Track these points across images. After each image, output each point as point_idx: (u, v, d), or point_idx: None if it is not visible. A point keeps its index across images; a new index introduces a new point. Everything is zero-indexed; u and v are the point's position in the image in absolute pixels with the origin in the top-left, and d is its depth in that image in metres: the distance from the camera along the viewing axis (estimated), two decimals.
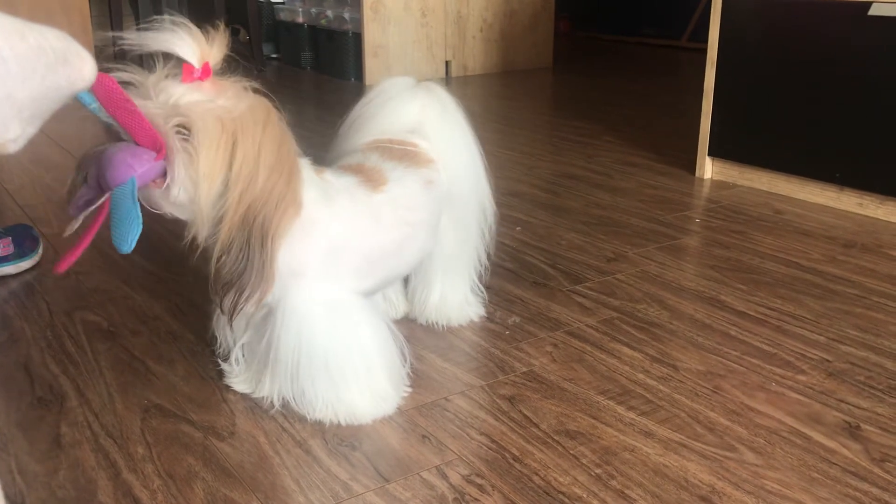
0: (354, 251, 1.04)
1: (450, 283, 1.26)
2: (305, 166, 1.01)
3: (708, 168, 2.08)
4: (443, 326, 1.28)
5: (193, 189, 0.90)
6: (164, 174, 0.90)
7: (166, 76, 0.89)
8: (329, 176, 1.06)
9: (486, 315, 1.33)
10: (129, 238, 0.87)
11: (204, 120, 0.88)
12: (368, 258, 1.05)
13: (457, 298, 1.28)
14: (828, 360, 1.19)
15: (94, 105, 0.86)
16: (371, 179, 1.08)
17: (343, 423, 1.02)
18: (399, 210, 1.09)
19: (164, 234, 1.68)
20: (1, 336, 1.26)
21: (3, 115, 0.47)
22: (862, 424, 1.03)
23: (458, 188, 1.20)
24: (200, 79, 0.88)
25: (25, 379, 1.14)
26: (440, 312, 1.27)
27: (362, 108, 1.22)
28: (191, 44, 0.86)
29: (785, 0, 1.84)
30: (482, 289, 1.35)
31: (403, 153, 1.15)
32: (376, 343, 1.04)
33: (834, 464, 0.95)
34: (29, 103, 0.48)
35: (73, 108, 2.50)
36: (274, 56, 4.12)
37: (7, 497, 0.89)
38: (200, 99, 0.88)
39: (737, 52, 1.95)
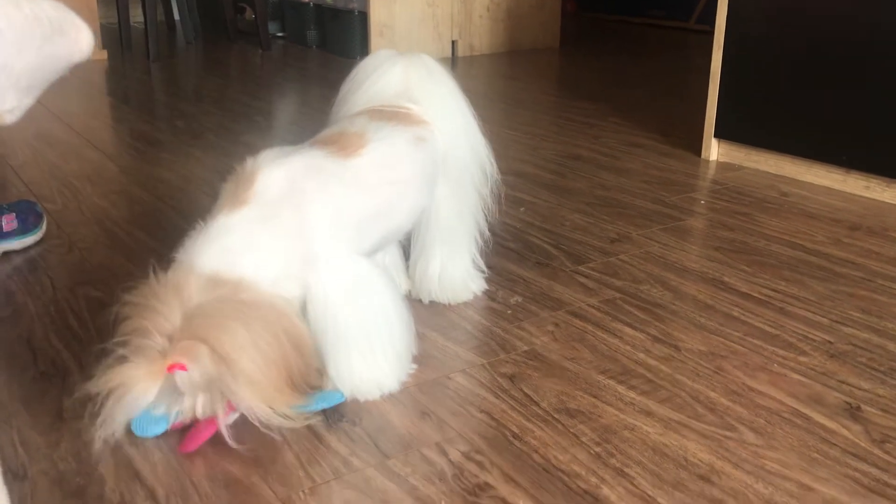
0: (341, 220, 1.03)
1: (449, 255, 1.26)
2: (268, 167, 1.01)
3: (714, 150, 2.07)
4: (445, 303, 1.28)
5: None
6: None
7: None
8: (293, 162, 1.04)
9: (488, 291, 1.33)
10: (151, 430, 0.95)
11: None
12: (358, 223, 1.05)
13: (458, 272, 1.28)
14: (830, 342, 1.18)
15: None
16: (345, 147, 1.07)
17: (368, 398, 1.03)
18: (381, 170, 1.09)
19: (168, 212, 1.68)
20: (4, 311, 1.26)
21: (0, 86, 0.47)
22: (863, 406, 1.03)
23: (453, 151, 1.20)
24: (176, 367, 0.88)
25: (28, 353, 1.14)
26: (442, 288, 1.27)
27: (349, 83, 1.23)
28: (143, 375, 0.87)
29: None
30: (483, 265, 1.35)
31: (394, 114, 1.15)
32: (397, 317, 1.05)
33: (834, 444, 0.95)
34: (25, 73, 0.48)
35: (76, 84, 2.51)
36: (279, 35, 4.10)
37: (9, 469, 0.90)
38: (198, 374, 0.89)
39: (744, 34, 1.94)
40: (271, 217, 0.98)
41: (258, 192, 0.98)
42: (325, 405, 0.99)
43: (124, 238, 1.54)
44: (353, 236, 1.04)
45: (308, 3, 3.78)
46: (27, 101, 0.49)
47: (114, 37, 3.98)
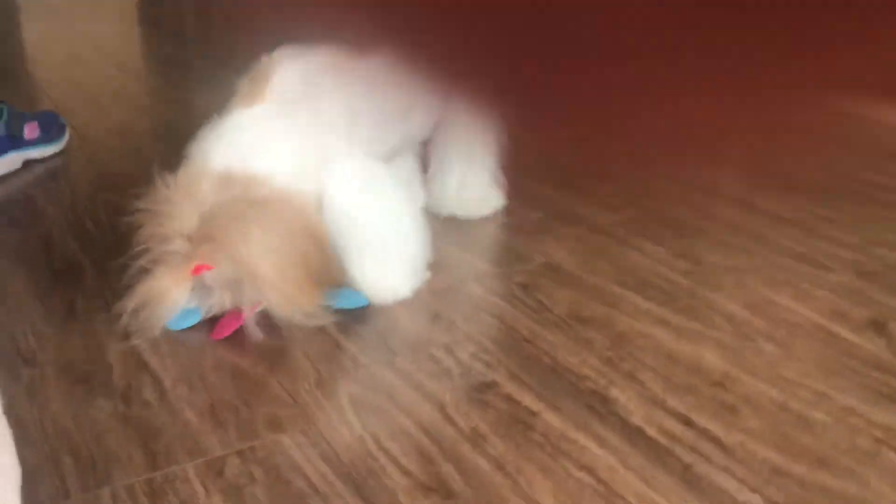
0: (358, 120, 1.01)
1: (468, 169, 1.23)
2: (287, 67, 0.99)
3: None
4: (463, 217, 1.26)
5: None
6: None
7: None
8: (310, 62, 1.01)
9: (507, 207, 1.30)
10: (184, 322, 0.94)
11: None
12: (374, 123, 1.03)
13: (476, 187, 1.25)
14: (859, 262, 1.14)
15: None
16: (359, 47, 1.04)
17: (380, 302, 1.02)
18: (395, 72, 1.06)
19: (190, 126, 1.67)
20: (24, 215, 1.27)
21: None
22: (889, 322, 0.99)
23: None
24: (201, 269, 0.88)
25: (45, 254, 1.15)
26: (460, 202, 1.25)
27: None
28: (171, 283, 0.88)
29: None
30: (502, 178, 1.32)
31: None
32: (412, 223, 1.04)
33: (856, 357, 0.92)
34: None
35: (108, 8, 2.47)
36: None
37: (20, 355, 0.90)
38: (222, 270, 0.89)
39: None
40: (286, 113, 0.96)
41: (274, 88, 0.96)
42: (347, 305, 0.98)
43: (145, 150, 1.54)
44: (369, 137, 1.02)
45: None
46: None
47: None
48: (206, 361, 0.90)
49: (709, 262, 1.14)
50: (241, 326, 0.93)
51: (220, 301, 0.93)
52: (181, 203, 0.90)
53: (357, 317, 0.99)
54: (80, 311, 1.00)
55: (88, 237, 1.19)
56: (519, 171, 1.44)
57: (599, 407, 0.83)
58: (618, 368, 0.89)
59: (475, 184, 1.25)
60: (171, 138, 1.60)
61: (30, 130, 1.44)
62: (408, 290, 1.04)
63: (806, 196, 1.36)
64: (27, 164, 1.45)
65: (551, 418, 0.81)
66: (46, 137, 1.48)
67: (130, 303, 0.90)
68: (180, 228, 0.89)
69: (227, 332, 0.93)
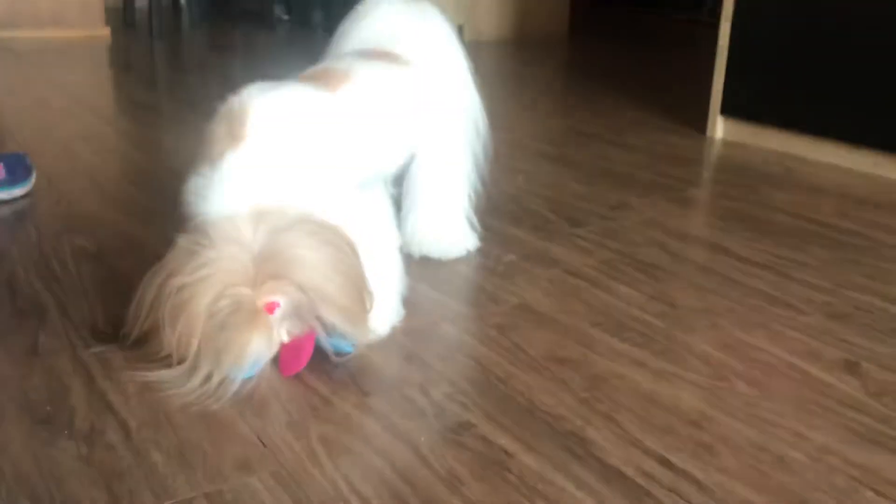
0: (329, 154, 1.00)
1: (441, 209, 1.23)
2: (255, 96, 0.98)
3: (720, 128, 2.04)
4: (437, 258, 1.25)
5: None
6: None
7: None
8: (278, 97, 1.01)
9: (481, 249, 1.30)
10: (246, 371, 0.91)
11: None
12: (344, 157, 1.02)
13: (449, 227, 1.25)
14: (830, 304, 1.15)
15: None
16: (329, 82, 1.05)
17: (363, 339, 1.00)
18: (366, 105, 1.06)
19: (160, 170, 1.65)
20: None
21: None
22: (862, 362, 0.99)
23: (443, 98, 1.18)
24: (274, 306, 0.88)
25: (7, 292, 1.11)
26: (433, 243, 1.24)
27: (345, 24, 1.21)
28: (252, 332, 0.87)
29: None
30: (478, 223, 1.31)
31: (380, 54, 1.14)
32: (389, 259, 1.04)
33: (830, 396, 0.92)
34: None
35: (78, 56, 2.48)
36: (285, 17, 4.08)
37: None
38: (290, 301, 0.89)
39: (752, 11, 1.90)
40: (276, 146, 0.95)
41: (254, 125, 0.95)
42: (335, 350, 0.96)
43: (114, 192, 1.52)
44: (340, 173, 1.01)
45: None
46: None
47: (119, 16, 3.97)
48: (173, 402, 0.87)
49: (682, 305, 1.14)
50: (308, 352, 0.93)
51: (277, 338, 0.91)
52: (230, 252, 0.87)
53: (325, 357, 0.97)
54: (42, 350, 0.97)
55: (53, 277, 1.16)
56: (492, 214, 1.45)
57: (576, 448, 0.81)
58: (594, 409, 0.88)
59: (449, 225, 1.25)
60: (140, 181, 1.58)
61: None
62: (386, 327, 1.02)
63: (776, 240, 1.38)
64: None
65: (528, 459, 0.79)
66: (12, 179, 1.45)
67: (209, 366, 0.87)
68: (238, 278, 0.87)
69: (301, 364, 0.92)
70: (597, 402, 0.89)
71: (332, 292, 0.89)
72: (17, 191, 1.46)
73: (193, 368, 0.88)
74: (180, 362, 0.89)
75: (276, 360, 0.93)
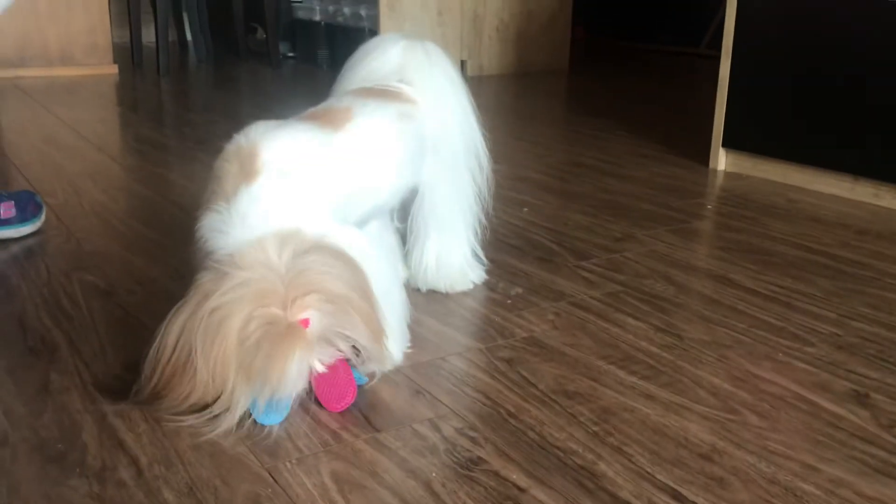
0: (331, 192, 1.01)
1: (446, 243, 1.24)
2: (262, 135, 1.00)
3: (721, 159, 2.06)
4: (443, 292, 1.26)
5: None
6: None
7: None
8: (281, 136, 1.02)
9: (487, 283, 1.30)
10: (275, 416, 0.91)
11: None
12: (345, 196, 1.03)
13: (455, 260, 1.26)
14: (837, 335, 1.15)
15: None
16: (331, 121, 1.06)
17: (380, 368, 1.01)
18: (367, 144, 1.07)
19: (169, 207, 1.67)
20: None
21: None
22: (871, 393, 1.00)
23: (445, 135, 1.19)
24: (307, 322, 0.89)
25: (18, 330, 1.12)
26: (439, 275, 1.25)
27: (349, 63, 1.23)
28: (308, 356, 0.88)
29: None
30: (483, 256, 1.33)
31: (382, 92, 1.15)
32: (396, 288, 1.05)
33: (840, 428, 0.92)
34: None
35: (86, 94, 2.51)
36: (290, 55, 4.13)
37: None
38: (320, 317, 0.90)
39: (752, 43, 1.93)
40: (288, 180, 0.97)
41: (265, 162, 0.96)
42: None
43: (122, 229, 1.53)
44: (342, 209, 1.03)
45: (319, 23, 3.80)
46: (4, 2, 0.47)
47: (126, 55, 4.02)
48: (184, 439, 0.88)
49: (690, 337, 1.14)
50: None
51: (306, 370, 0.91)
52: (258, 275, 0.88)
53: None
54: (53, 388, 0.97)
55: (64, 315, 1.17)
56: (497, 247, 1.46)
57: (588, 482, 0.81)
58: (605, 443, 0.88)
59: (454, 258, 1.26)
60: (148, 217, 1.60)
61: (5, 210, 1.43)
62: (399, 355, 1.03)
63: (780, 271, 1.39)
64: (2, 242, 1.44)
65: (540, 494, 0.79)
66: (22, 217, 1.46)
67: (249, 393, 0.87)
68: (269, 299, 0.87)
69: (349, 397, 0.93)
70: (607, 435, 0.90)
71: (358, 305, 0.90)
72: (27, 228, 1.48)
73: (231, 404, 0.87)
74: (215, 398, 0.88)
75: (313, 397, 0.93)
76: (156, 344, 0.90)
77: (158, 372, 0.89)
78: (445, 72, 1.21)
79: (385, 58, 1.20)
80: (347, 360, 0.94)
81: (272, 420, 0.90)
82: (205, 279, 0.89)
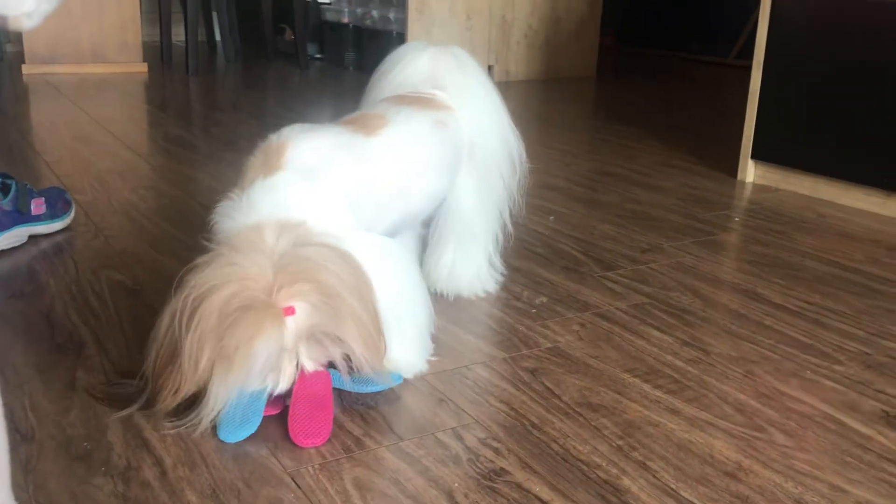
0: (362, 198, 1.02)
1: (462, 251, 1.24)
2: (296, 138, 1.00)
3: (750, 171, 2.04)
4: (452, 297, 1.26)
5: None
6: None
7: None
8: (319, 138, 1.02)
9: (512, 291, 1.30)
10: (247, 427, 0.88)
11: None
12: (377, 202, 1.04)
13: (469, 269, 1.26)
14: (867, 353, 1.14)
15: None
16: (365, 126, 1.06)
17: (404, 375, 1.01)
18: (400, 150, 1.07)
19: (195, 206, 1.68)
20: (26, 288, 1.26)
21: None
22: None
23: (480, 140, 1.19)
24: (291, 310, 0.86)
25: (46, 327, 1.13)
26: (449, 282, 1.25)
27: (379, 71, 1.23)
28: (269, 321, 0.84)
29: (834, 1, 1.80)
30: (501, 266, 1.32)
31: (417, 99, 1.15)
32: (422, 295, 1.04)
33: (869, 450, 0.91)
34: None
35: (115, 93, 2.53)
36: (318, 56, 4.14)
37: (18, 430, 0.88)
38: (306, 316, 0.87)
39: (783, 55, 1.91)
40: (310, 178, 0.96)
41: (290, 159, 0.97)
42: (364, 389, 0.95)
43: (150, 228, 1.54)
44: (371, 216, 1.03)
45: (347, 25, 3.82)
46: (46, 6, 0.48)
47: (155, 53, 4.05)
48: (208, 442, 0.88)
49: (716, 351, 1.13)
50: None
51: (291, 372, 0.89)
52: (250, 260, 0.86)
53: (361, 398, 0.97)
54: (80, 386, 0.98)
55: (91, 312, 1.18)
56: (522, 255, 1.45)
57: (611, 497, 0.81)
58: (629, 457, 0.88)
59: (468, 267, 1.26)
60: (175, 217, 1.61)
61: (36, 206, 1.44)
62: (423, 363, 1.03)
63: (808, 287, 1.37)
64: (32, 238, 1.45)
65: None
66: (52, 213, 1.48)
67: (225, 358, 0.83)
68: (257, 281, 0.85)
69: (320, 439, 0.88)
70: (631, 449, 0.89)
71: (351, 306, 0.86)
72: (57, 225, 1.49)
73: (209, 395, 0.85)
74: (200, 388, 0.86)
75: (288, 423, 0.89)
76: (151, 337, 0.89)
77: (152, 366, 0.88)
78: (477, 76, 1.22)
79: (416, 66, 1.20)
80: (334, 393, 0.91)
81: (236, 436, 0.87)
82: (198, 261, 0.88)
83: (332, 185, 0.98)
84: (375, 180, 1.04)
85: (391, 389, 0.99)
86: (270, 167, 0.96)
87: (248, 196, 0.94)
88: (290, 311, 0.85)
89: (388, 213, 1.06)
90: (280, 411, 0.92)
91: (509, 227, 1.30)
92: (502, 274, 1.33)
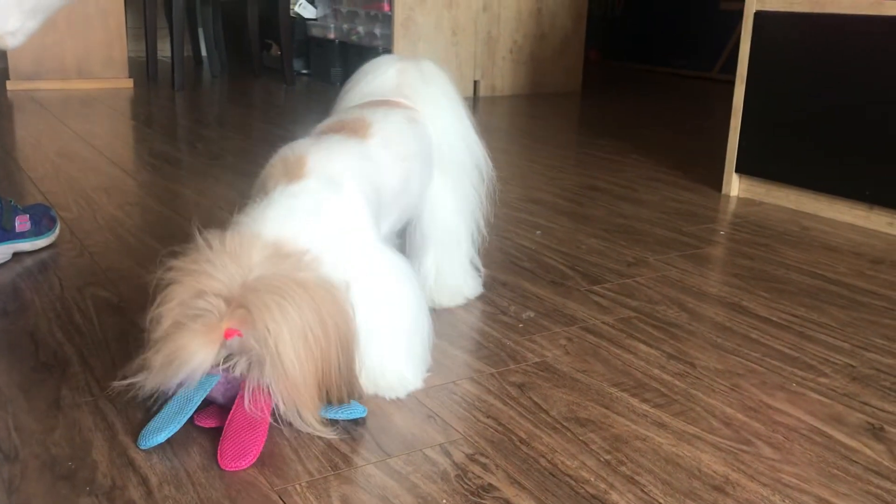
0: (374, 200, 1.04)
1: (448, 256, 1.27)
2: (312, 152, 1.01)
3: (734, 185, 2.05)
4: (438, 307, 1.27)
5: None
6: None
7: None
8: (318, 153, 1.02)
9: (499, 306, 1.30)
10: (161, 434, 0.88)
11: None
12: (384, 202, 1.07)
13: (455, 274, 1.28)
14: (852, 366, 1.14)
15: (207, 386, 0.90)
16: (354, 131, 1.09)
17: (394, 396, 1.00)
18: (393, 147, 1.11)
19: (182, 223, 1.67)
20: (10, 305, 1.25)
21: (3, 6, 0.46)
22: (886, 426, 0.99)
23: (447, 146, 1.22)
24: (233, 334, 0.85)
25: (30, 345, 1.12)
26: (436, 289, 1.27)
27: (348, 84, 1.26)
28: (203, 341, 0.84)
29: (816, 16, 1.82)
30: (480, 265, 1.34)
31: (384, 102, 1.19)
32: (423, 312, 1.04)
33: (855, 462, 0.91)
34: None
35: (100, 108, 2.53)
36: (304, 72, 4.15)
37: (1, 450, 0.87)
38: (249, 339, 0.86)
39: (766, 69, 1.93)
40: (335, 188, 0.97)
41: (312, 168, 0.98)
42: (344, 416, 0.94)
43: (135, 244, 1.53)
44: (380, 217, 1.05)
45: (333, 41, 3.83)
46: (31, 25, 0.48)
47: (141, 69, 4.05)
48: (194, 459, 0.87)
49: (702, 365, 1.13)
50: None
51: (237, 367, 0.88)
52: (226, 265, 0.86)
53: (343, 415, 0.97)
54: (64, 404, 0.97)
55: (76, 330, 1.17)
56: (509, 269, 1.45)
57: None
58: (617, 472, 0.88)
59: (452, 272, 1.28)
60: (161, 233, 1.60)
61: (21, 223, 1.44)
62: (419, 381, 1.03)
63: (793, 300, 1.38)
64: (17, 255, 1.44)
65: None
66: (37, 230, 1.47)
67: (154, 358, 0.84)
68: (220, 289, 0.85)
69: (246, 461, 0.86)
70: (619, 464, 0.89)
71: (287, 359, 0.84)
72: (41, 242, 1.48)
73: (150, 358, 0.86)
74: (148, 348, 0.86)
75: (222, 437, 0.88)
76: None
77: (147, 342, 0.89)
78: (441, 86, 1.26)
79: (384, 77, 1.24)
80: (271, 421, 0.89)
81: (148, 442, 0.87)
82: (190, 246, 0.89)
83: (355, 192, 0.99)
84: (382, 181, 1.06)
85: (378, 405, 0.99)
86: (294, 175, 0.97)
87: (268, 200, 0.94)
88: (232, 333, 0.84)
89: (392, 211, 1.10)
90: (216, 425, 0.91)
91: (484, 232, 1.32)
92: (483, 276, 1.35)
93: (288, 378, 0.84)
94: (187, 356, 0.83)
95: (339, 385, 0.89)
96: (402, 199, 1.11)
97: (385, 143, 1.09)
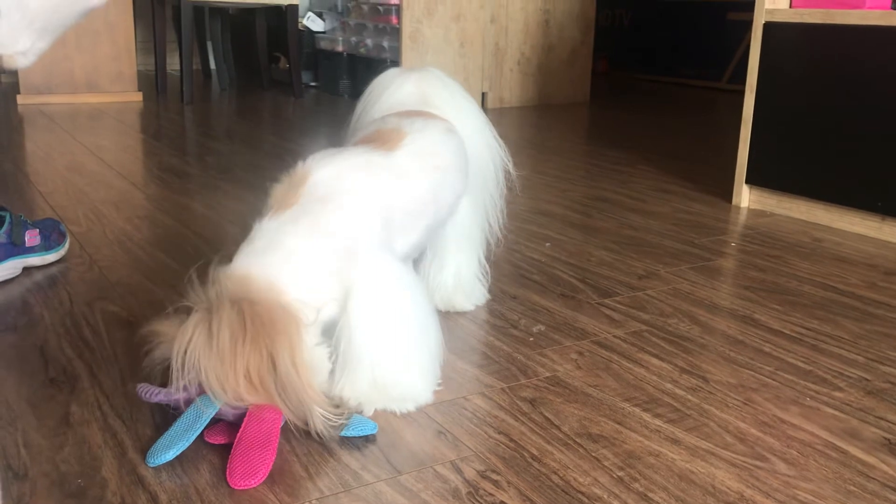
0: (391, 212, 1.04)
1: (465, 259, 1.28)
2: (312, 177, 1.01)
3: (745, 196, 2.04)
4: (450, 311, 1.28)
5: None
6: None
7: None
8: (339, 161, 1.04)
9: (510, 319, 1.29)
10: (170, 452, 0.88)
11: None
12: (406, 214, 1.06)
13: (469, 278, 1.30)
14: (866, 379, 1.13)
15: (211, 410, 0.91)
16: (386, 141, 1.09)
17: (403, 410, 1.00)
18: (424, 158, 1.10)
19: (191, 236, 1.67)
20: (20, 320, 1.25)
21: (14, 25, 0.45)
22: None
23: (473, 153, 1.23)
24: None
25: (40, 360, 1.12)
26: (452, 293, 1.29)
27: (365, 100, 1.28)
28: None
29: (825, 26, 1.81)
30: (488, 272, 1.36)
31: (421, 113, 1.19)
32: (434, 326, 1.04)
33: (872, 478, 0.90)
34: (41, 14, 0.47)
35: (110, 122, 2.54)
36: (313, 84, 4.16)
37: (10, 468, 0.87)
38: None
39: (776, 79, 1.92)
40: (305, 216, 0.97)
41: (305, 193, 0.98)
42: (354, 433, 0.94)
43: (145, 259, 1.53)
44: (400, 229, 1.05)
45: (341, 53, 3.84)
46: (41, 45, 0.48)
47: (150, 82, 4.07)
48: (204, 477, 0.87)
49: (715, 379, 1.12)
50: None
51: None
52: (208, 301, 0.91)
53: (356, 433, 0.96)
54: (73, 420, 0.97)
55: (85, 345, 1.17)
56: (519, 282, 1.45)
57: None
58: (630, 488, 0.87)
59: (468, 275, 1.29)
60: (170, 247, 1.60)
61: (30, 238, 1.44)
62: (429, 396, 1.03)
63: (806, 312, 1.37)
64: (26, 270, 1.45)
65: None
66: (46, 245, 1.47)
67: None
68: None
69: (256, 479, 0.86)
70: (632, 480, 0.88)
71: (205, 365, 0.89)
72: (51, 256, 1.48)
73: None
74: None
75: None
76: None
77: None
78: (462, 95, 1.28)
79: (406, 88, 1.24)
80: (279, 432, 0.90)
81: (162, 457, 0.88)
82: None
83: (348, 211, 0.99)
84: (406, 193, 1.06)
85: (388, 421, 0.98)
86: (284, 203, 0.98)
87: (253, 234, 0.97)
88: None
89: (420, 221, 1.09)
90: (226, 442, 0.91)
91: (499, 235, 1.34)
92: (489, 283, 1.36)
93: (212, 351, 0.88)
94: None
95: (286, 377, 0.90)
96: (430, 210, 1.11)
97: (416, 154, 1.09)
